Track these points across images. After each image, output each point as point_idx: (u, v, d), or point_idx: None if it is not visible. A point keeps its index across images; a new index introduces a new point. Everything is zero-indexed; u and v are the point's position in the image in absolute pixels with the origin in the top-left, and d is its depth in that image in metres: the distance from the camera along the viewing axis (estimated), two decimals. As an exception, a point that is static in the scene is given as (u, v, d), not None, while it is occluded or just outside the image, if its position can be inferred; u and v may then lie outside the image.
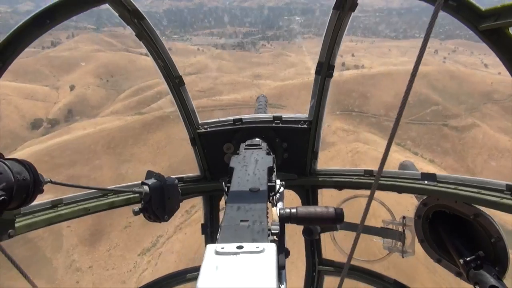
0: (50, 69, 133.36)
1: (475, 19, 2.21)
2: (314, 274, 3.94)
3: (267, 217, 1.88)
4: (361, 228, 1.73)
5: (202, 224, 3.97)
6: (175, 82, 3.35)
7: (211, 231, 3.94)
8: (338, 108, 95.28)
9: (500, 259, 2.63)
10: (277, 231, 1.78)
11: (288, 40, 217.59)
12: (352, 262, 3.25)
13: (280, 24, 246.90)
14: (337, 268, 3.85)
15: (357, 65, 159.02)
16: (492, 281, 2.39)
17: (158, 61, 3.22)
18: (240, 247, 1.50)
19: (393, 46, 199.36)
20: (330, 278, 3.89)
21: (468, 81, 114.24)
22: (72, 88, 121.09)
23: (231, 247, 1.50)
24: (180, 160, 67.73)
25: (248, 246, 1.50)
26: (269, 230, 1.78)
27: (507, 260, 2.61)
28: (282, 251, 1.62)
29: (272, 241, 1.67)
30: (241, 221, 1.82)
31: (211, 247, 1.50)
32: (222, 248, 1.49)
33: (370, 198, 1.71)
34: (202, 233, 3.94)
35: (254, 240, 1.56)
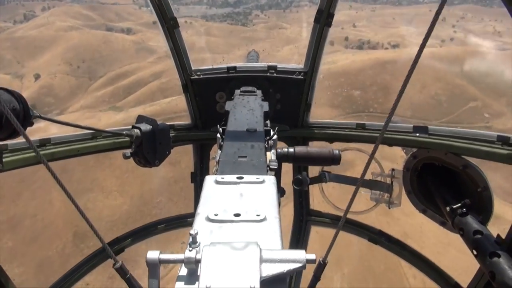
0: (13, 53, 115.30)
1: None
2: (301, 224, 4.05)
3: (265, 155, 1.87)
4: (360, 182, 1.82)
5: (191, 173, 3.99)
6: (169, 24, 3.28)
7: (200, 180, 3.92)
8: (352, 108, 76.39)
9: (485, 207, 2.78)
10: (276, 167, 1.77)
11: (283, 8, 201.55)
12: (339, 213, 3.88)
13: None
14: (324, 219, 4.00)
15: (362, 39, 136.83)
16: (476, 226, 2.53)
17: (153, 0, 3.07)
18: (240, 178, 1.48)
19: (396, 14, 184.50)
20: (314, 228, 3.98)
21: (502, 63, 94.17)
22: (37, 77, 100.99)
23: (231, 177, 1.48)
24: (155, 188, 50.35)
25: (248, 177, 1.49)
26: (268, 166, 1.77)
27: (491, 208, 2.77)
28: (279, 190, 1.63)
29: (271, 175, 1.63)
30: (239, 157, 1.80)
31: (210, 178, 1.48)
32: (222, 178, 1.47)
33: (373, 152, 1.72)
34: (192, 182, 3.98)
35: (253, 173, 1.53)
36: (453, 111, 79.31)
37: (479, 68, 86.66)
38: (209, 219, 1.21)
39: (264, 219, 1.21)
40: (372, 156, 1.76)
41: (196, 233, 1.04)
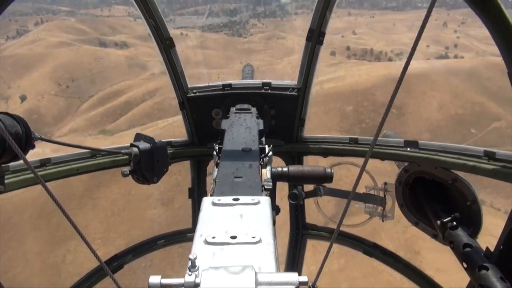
0: (0, 73, 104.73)
1: None
2: (297, 237, 4.14)
3: (260, 175, 1.97)
4: (352, 194, 1.95)
5: (189, 188, 4.10)
6: (166, 44, 3.39)
7: (198, 195, 4.07)
8: (362, 130, 68.59)
9: (474, 220, 2.88)
10: (270, 187, 1.85)
11: (281, 16, 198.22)
12: (333, 226, 3.87)
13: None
14: (319, 232, 4.10)
15: (364, 48, 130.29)
16: (466, 239, 2.63)
17: (150, 21, 3.23)
18: (236, 199, 1.54)
19: (397, 19, 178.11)
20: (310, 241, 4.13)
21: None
22: (23, 98, 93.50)
23: (228, 199, 1.54)
24: (144, 233, 42.51)
25: (244, 198, 1.55)
26: (263, 186, 1.84)
27: (480, 221, 2.87)
28: (273, 208, 1.70)
29: (265, 195, 1.73)
30: (235, 177, 1.87)
31: (207, 199, 1.55)
32: (219, 200, 1.53)
33: (364, 165, 1.82)
34: (189, 197, 4.09)
35: (248, 194, 1.60)
36: (477, 133, 71.01)
37: (497, 81, 79.02)
38: (207, 242, 1.26)
39: (259, 241, 1.26)
40: (362, 169, 1.81)
41: (195, 258, 1.10)
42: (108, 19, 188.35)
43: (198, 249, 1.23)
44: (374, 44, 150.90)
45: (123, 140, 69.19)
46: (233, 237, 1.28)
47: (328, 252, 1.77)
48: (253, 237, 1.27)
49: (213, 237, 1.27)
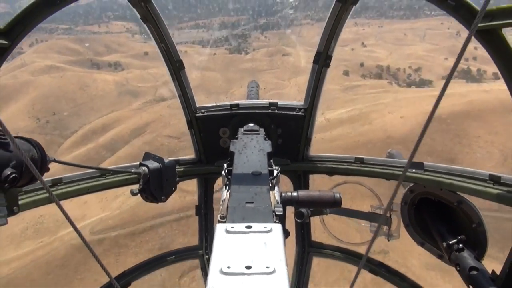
0: None
1: (471, 19, 2.37)
2: (303, 255, 4.19)
3: (270, 199, 2.02)
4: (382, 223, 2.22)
5: (196, 206, 4.19)
6: (175, 66, 3.54)
7: (205, 213, 4.15)
8: None
9: (480, 242, 2.93)
10: (281, 213, 1.91)
11: (284, 28, 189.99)
12: (339, 245, 4.05)
13: (274, 9, 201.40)
14: (325, 250, 4.16)
15: (379, 65, 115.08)
16: (472, 262, 2.68)
17: (161, 45, 3.40)
18: (249, 227, 1.57)
19: (407, 29, 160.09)
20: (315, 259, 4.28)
21: None
22: (-5, 139, 78.64)
23: (240, 226, 1.56)
24: None
25: (256, 225, 1.58)
26: (273, 211, 1.90)
27: (486, 244, 2.92)
28: (284, 232, 1.73)
29: (276, 221, 1.82)
30: (246, 202, 1.92)
31: (221, 226, 1.59)
32: (232, 227, 1.56)
33: (396, 188, 1.83)
34: (196, 215, 4.18)
35: (260, 221, 1.66)
36: None
37: None
38: (223, 272, 1.27)
39: (273, 272, 1.27)
40: (395, 191, 1.84)
41: None
42: (105, 36, 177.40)
43: (214, 280, 1.24)
44: (387, 57, 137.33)
45: (103, 197, 54.92)
46: (248, 267, 1.28)
47: (355, 278, 1.80)
48: (267, 268, 1.28)
49: (228, 267, 1.28)
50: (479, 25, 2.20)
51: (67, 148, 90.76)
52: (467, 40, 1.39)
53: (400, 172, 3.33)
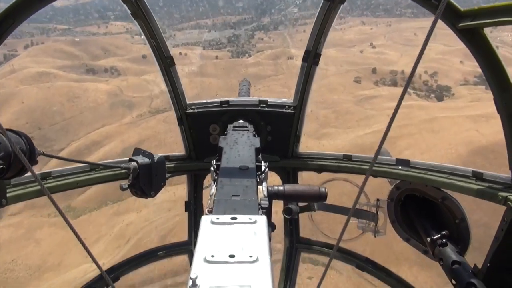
0: None
1: (454, 18, 2.40)
2: (291, 251, 4.21)
3: (257, 193, 2.07)
4: (352, 212, 2.10)
5: (185, 202, 4.20)
6: (166, 63, 3.55)
7: (194, 208, 4.16)
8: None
9: (463, 237, 3.01)
10: (267, 205, 1.94)
11: (288, 28, 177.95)
12: (326, 240, 3.96)
13: (276, 8, 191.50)
14: (313, 246, 4.17)
15: (393, 70, 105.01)
16: (454, 257, 2.75)
17: (151, 41, 3.41)
18: (234, 218, 1.57)
19: (416, 28, 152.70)
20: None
21: None
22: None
23: (226, 218, 1.57)
24: None
25: (241, 217, 1.58)
26: (259, 204, 1.94)
27: (468, 239, 3.01)
28: (269, 225, 1.79)
29: (262, 214, 1.89)
30: (233, 195, 1.96)
31: (206, 218, 1.62)
32: (217, 218, 1.59)
33: (363, 183, 1.92)
34: (186, 210, 4.19)
35: (246, 213, 1.71)
36: None
37: None
38: (207, 261, 1.30)
39: (256, 260, 1.30)
40: (362, 188, 1.90)
41: (196, 277, 1.16)
42: (103, 38, 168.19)
43: (198, 268, 1.27)
44: (398, 59, 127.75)
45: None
46: (232, 256, 1.32)
47: (326, 268, 1.85)
48: (250, 256, 1.31)
49: (212, 256, 1.31)
50: (460, 24, 2.29)
51: (53, 167, 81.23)
52: (431, 29, 1.47)
53: (388, 169, 3.37)
